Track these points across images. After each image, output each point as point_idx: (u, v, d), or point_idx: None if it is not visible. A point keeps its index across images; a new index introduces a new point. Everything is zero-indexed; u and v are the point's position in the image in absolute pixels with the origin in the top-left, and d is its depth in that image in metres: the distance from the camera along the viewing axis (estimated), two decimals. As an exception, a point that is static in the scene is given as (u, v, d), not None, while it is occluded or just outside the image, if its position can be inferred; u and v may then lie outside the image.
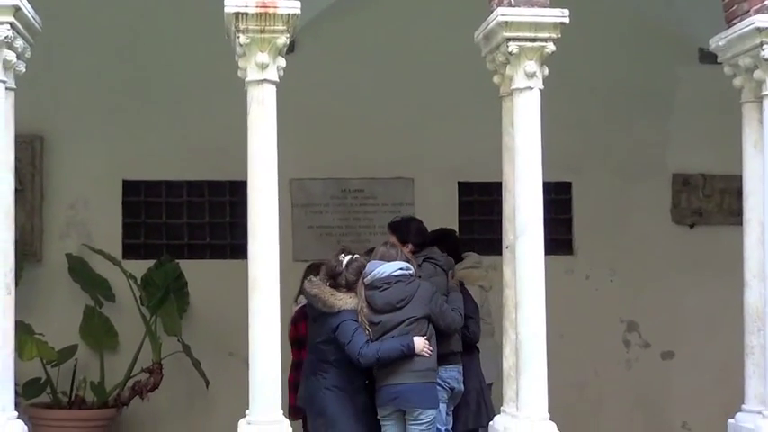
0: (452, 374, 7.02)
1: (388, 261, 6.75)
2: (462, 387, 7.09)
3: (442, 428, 6.91)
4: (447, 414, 7.04)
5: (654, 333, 9.99)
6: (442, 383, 6.91)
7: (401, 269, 6.69)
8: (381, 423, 6.72)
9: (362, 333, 6.60)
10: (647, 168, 9.95)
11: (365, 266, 6.80)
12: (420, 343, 6.58)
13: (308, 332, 7.06)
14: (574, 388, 9.48)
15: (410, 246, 7.19)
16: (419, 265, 6.98)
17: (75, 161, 9.43)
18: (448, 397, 7.00)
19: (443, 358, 6.87)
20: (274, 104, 5.76)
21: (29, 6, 5.79)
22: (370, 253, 7.07)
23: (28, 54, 5.87)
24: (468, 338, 7.20)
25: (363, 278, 6.70)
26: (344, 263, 6.81)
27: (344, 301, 6.72)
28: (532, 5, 6.00)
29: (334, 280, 6.82)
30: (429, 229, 7.56)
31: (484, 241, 9.07)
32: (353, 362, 6.62)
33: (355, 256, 6.89)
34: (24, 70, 5.87)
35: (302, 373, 7.10)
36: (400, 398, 6.57)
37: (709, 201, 10.15)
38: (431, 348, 6.64)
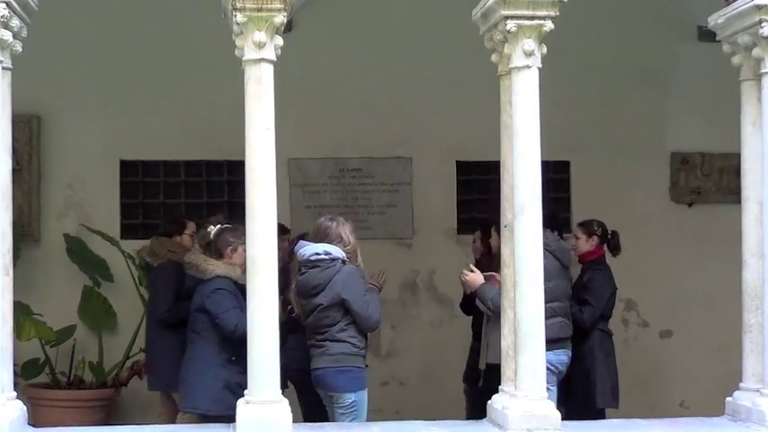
0: (561, 359, 7.05)
1: (319, 240, 6.58)
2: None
3: None
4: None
5: (652, 312, 10.01)
6: (551, 367, 6.88)
7: (317, 253, 6.50)
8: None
9: (237, 310, 6.58)
10: (645, 147, 9.94)
11: (236, 235, 6.78)
12: None
13: None
14: (572, 367, 9.49)
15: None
16: None
17: (73, 141, 9.43)
18: (558, 380, 7.01)
19: (549, 343, 6.86)
20: (272, 84, 5.72)
21: (25, -15, 5.77)
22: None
23: (24, 33, 5.84)
24: (577, 321, 7.31)
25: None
26: (212, 233, 6.88)
27: (217, 265, 6.79)
28: (530, -17, 5.97)
29: (207, 249, 6.89)
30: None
31: (482, 220, 9.05)
32: (226, 334, 6.66)
33: (225, 225, 6.96)
34: (21, 50, 5.84)
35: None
36: (318, 382, 6.57)
37: (708, 179, 10.15)
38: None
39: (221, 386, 6.71)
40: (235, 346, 6.71)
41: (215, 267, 6.83)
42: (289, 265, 7.02)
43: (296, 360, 6.84)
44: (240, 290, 6.83)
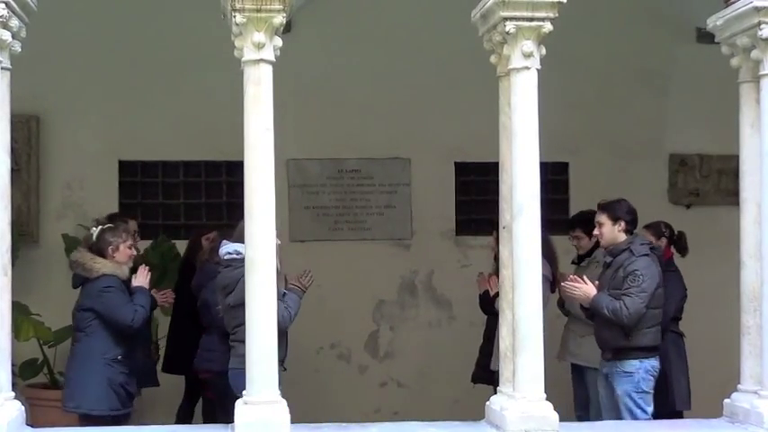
0: (657, 366, 6.94)
1: (236, 239, 6.42)
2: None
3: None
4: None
5: (650, 313, 9.98)
6: (655, 374, 6.84)
7: (229, 253, 6.47)
8: None
9: (129, 304, 6.73)
10: (644, 148, 9.94)
11: (115, 235, 6.90)
12: (140, 276, 6.86)
13: None
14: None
15: (623, 223, 7.05)
16: (646, 254, 6.73)
17: (72, 141, 9.42)
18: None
19: (647, 351, 6.81)
20: (271, 84, 5.73)
21: (24, -14, 5.78)
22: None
23: (23, 34, 5.85)
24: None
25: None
26: (95, 234, 6.94)
27: (104, 264, 6.84)
28: (529, -16, 5.97)
29: (91, 251, 6.95)
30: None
31: (481, 221, 9.07)
32: (121, 330, 6.71)
33: (107, 225, 7.06)
34: (20, 50, 5.85)
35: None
36: (230, 382, 6.45)
37: (707, 181, 10.15)
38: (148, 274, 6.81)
39: (105, 385, 6.75)
40: (121, 345, 6.79)
41: (102, 266, 6.86)
42: (206, 265, 7.14)
43: (208, 361, 6.89)
44: (126, 287, 6.92)
